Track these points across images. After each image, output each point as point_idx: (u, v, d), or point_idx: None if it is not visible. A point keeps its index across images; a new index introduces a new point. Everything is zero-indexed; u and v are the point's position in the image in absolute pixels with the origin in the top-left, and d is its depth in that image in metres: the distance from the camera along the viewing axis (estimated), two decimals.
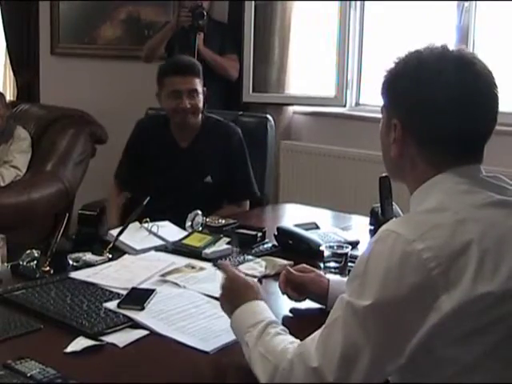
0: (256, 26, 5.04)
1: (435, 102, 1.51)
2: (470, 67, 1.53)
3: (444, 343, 1.40)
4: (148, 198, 2.70)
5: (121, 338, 1.84)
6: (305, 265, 2.18)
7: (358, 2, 4.82)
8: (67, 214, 2.48)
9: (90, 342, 1.80)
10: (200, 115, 3.41)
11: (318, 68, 5.15)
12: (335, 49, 4.86)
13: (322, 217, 3.27)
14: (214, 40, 4.93)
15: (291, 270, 2.13)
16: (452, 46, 1.58)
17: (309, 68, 5.17)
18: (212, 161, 3.40)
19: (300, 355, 1.50)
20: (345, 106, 4.92)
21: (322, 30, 5.06)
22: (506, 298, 1.40)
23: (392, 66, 1.61)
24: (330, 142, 4.92)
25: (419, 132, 1.55)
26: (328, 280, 2.09)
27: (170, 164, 3.43)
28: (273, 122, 3.86)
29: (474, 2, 4.34)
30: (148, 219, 2.73)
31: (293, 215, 3.40)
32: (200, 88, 3.37)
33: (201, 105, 3.38)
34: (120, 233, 2.55)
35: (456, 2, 4.40)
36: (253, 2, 4.97)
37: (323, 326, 1.51)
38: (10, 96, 6.53)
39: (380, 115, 1.65)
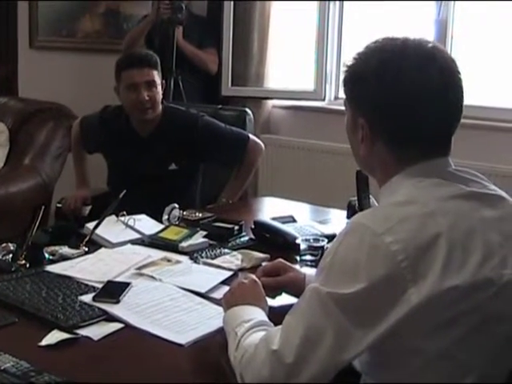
0: (235, 20, 5.05)
1: (399, 99, 1.50)
2: (432, 60, 1.52)
3: (412, 334, 1.41)
4: (124, 192, 2.70)
5: (96, 331, 1.84)
6: (281, 260, 2.16)
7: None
8: (43, 207, 2.46)
9: (64, 336, 1.79)
10: (160, 107, 3.37)
11: (296, 62, 5.16)
12: (314, 42, 4.87)
13: (300, 210, 3.28)
14: (193, 34, 4.94)
15: (265, 279, 2.03)
16: (412, 37, 1.56)
17: (288, 62, 5.19)
18: (176, 148, 3.38)
19: (265, 340, 1.51)
20: (324, 99, 4.93)
21: (302, 24, 5.07)
22: (473, 290, 1.40)
23: (352, 62, 1.59)
24: (309, 135, 4.93)
25: (386, 130, 1.54)
26: (304, 275, 2.09)
27: (133, 155, 3.42)
28: (252, 115, 3.86)
29: None
30: (125, 212, 2.72)
31: (271, 209, 3.40)
32: (158, 80, 3.33)
33: (159, 97, 3.34)
34: (96, 226, 2.55)
35: None
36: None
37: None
38: None
39: None
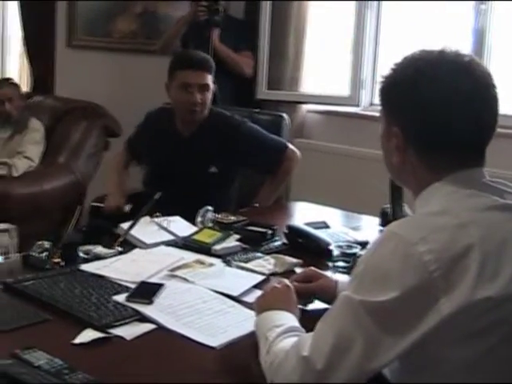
0: (272, 23, 5.05)
1: (433, 109, 1.51)
2: (467, 71, 1.53)
3: (441, 344, 1.41)
4: (159, 193, 2.71)
5: (128, 331, 1.85)
6: (312, 267, 2.17)
7: (375, 2, 4.81)
8: (79, 207, 2.48)
9: (97, 334, 1.81)
10: (207, 110, 3.41)
11: (332, 67, 5.15)
12: (350, 47, 4.86)
13: (333, 216, 3.28)
14: (229, 36, 4.93)
15: (297, 284, 2.03)
16: (449, 49, 1.57)
17: (324, 66, 5.18)
18: (216, 151, 3.40)
19: (296, 346, 1.52)
20: (358, 105, 4.92)
21: (338, 28, 5.06)
22: (504, 302, 1.40)
23: (388, 72, 1.61)
24: (342, 141, 4.92)
25: (419, 139, 1.55)
26: (336, 282, 2.09)
27: (173, 154, 3.45)
28: (288, 120, 3.86)
29: (490, 2, 4.33)
30: (159, 213, 2.74)
31: (304, 214, 3.41)
32: (211, 84, 3.38)
33: (210, 100, 3.39)
34: (131, 227, 2.57)
35: (473, 2, 4.39)
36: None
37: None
38: (25, 87, 6.55)
39: None
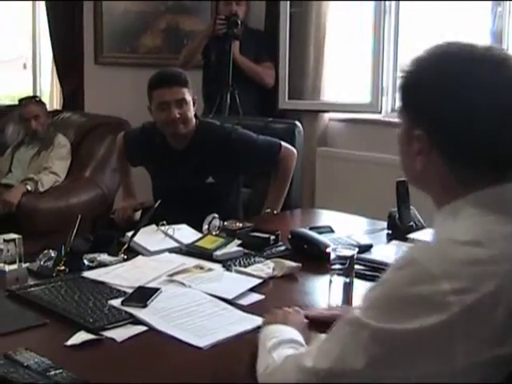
0: (291, 33, 5.10)
1: (464, 110, 1.33)
2: (504, 67, 1.35)
3: None
4: (159, 202, 2.78)
5: (120, 333, 1.91)
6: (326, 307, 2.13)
7: (393, 7, 4.83)
8: (79, 217, 2.55)
9: (89, 336, 1.87)
10: (193, 122, 3.43)
11: (353, 74, 5.18)
12: (370, 55, 4.88)
13: (353, 223, 3.31)
14: (250, 48, 5.00)
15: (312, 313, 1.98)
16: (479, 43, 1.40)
17: (344, 74, 5.21)
18: (211, 162, 3.43)
19: (295, 355, 1.48)
20: (380, 112, 4.93)
21: (357, 35, 5.09)
22: None
23: (410, 67, 1.43)
24: (365, 148, 4.94)
25: (447, 144, 1.36)
26: None
27: (169, 169, 3.50)
28: (301, 128, 3.90)
29: (508, 3, 4.32)
30: (165, 222, 2.80)
31: (313, 220, 3.44)
32: (188, 97, 3.38)
33: (191, 113, 3.39)
34: (133, 235, 2.63)
35: (490, 3, 4.39)
36: (288, 9, 5.03)
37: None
38: (56, 105, 6.70)
39: None
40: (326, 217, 3.53)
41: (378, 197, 4.73)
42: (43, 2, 6.72)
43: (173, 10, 5.88)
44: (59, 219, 4.63)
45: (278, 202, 3.50)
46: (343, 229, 3.02)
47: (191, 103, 3.40)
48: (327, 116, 5.18)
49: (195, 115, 3.45)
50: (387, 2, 4.79)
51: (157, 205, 2.77)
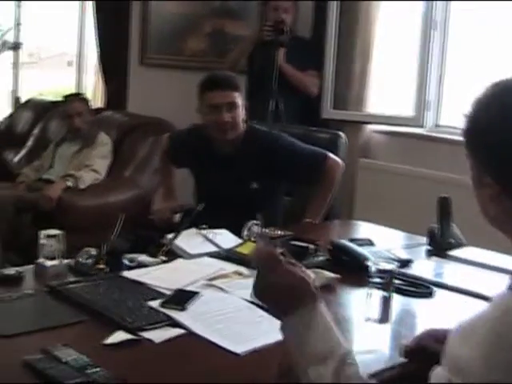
0: (338, 43, 5.09)
1: None
2: None
3: None
4: (202, 205, 2.78)
5: (158, 335, 1.91)
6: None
7: (442, 21, 4.80)
8: (122, 215, 2.56)
9: (127, 336, 1.87)
10: (242, 127, 3.44)
11: (398, 87, 5.15)
12: (416, 68, 4.85)
13: (391, 236, 3.30)
14: (295, 56, 4.98)
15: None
16: None
17: (389, 86, 5.18)
18: (256, 168, 3.43)
19: None
20: (423, 126, 4.90)
21: (404, 48, 5.06)
22: None
23: (470, 110, 1.37)
24: (407, 162, 4.90)
25: None
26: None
27: (214, 173, 3.49)
28: (345, 139, 3.88)
29: None
30: (206, 225, 2.80)
31: (353, 232, 3.42)
32: (239, 101, 3.40)
33: (240, 118, 3.41)
34: (174, 237, 2.64)
35: None
36: (336, 18, 5.02)
37: None
38: (99, 103, 6.74)
39: (460, 138, 1.42)
40: (364, 229, 3.50)
41: (418, 211, 4.69)
42: (91, 2, 6.77)
43: (219, 14, 5.90)
44: (97, 217, 4.66)
45: (318, 212, 3.48)
46: (382, 242, 3.00)
47: (241, 108, 3.41)
48: (370, 127, 5.15)
49: (244, 120, 3.46)
50: (436, 16, 4.76)
51: (200, 208, 2.76)
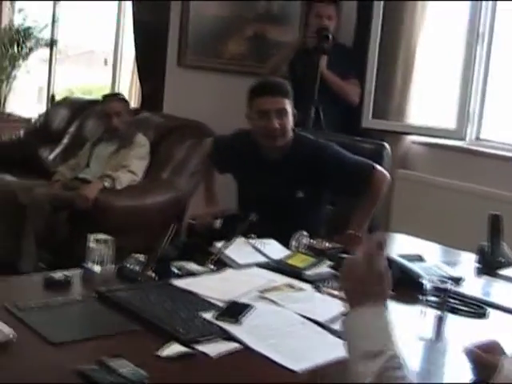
0: (380, 52, 5.03)
1: None
2: None
3: None
4: (255, 215, 2.73)
5: (213, 349, 1.86)
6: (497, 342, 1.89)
7: (486, 33, 4.73)
8: (174, 225, 2.52)
9: (183, 349, 1.83)
10: (291, 134, 3.40)
11: (439, 98, 5.09)
12: (459, 80, 4.79)
13: (429, 249, 3.22)
14: (337, 63, 4.92)
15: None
16: None
17: (431, 97, 5.12)
18: (303, 176, 3.38)
19: None
20: (464, 139, 4.83)
21: (447, 59, 5.00)
22: None
23: None
24: (446, 174, 4.83)
25: None
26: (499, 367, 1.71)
27: (260, 179, 3.45)
28: (389, 150, 3.82)
29: None
30: (253, 235, 2.76)
31: (400, 245, 3.36)
32: (289, 108, 3.37)
33: (289, 125, 3.38)
34: (225, 247, 2.59)
35: None
36: (379, 27, 4.97)
37: None
38: (134, 103, 6.72)
39: (502, 152, 1.39)
40: (409, 243, 3.44)
41: (455, 225, 4.64)
42: (129, 2, 6.74)
43: (261, 19, 5.83)
44: (133, 218, 4.64)
45: (362, 224, 3.43)
46: (428, 257, 2.94)
47: (291, 115, 3.37)
48: (410, 138, 5.09)
49: (293, 128, 3.42)
50: (480, 28, 4.69)
51: (254, 218, 2.72)
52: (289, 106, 3.37)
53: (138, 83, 6.73)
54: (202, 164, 3.93)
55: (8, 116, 8.21)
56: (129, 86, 7.15)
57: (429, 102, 5.13)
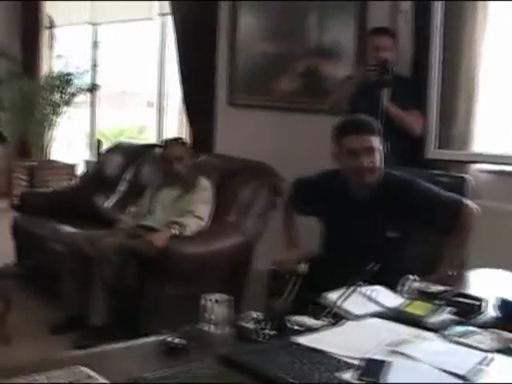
0: (441, 79, 4.94)
1: None
2: None
3: None
4: (375, 264, 2.63)
5: None
6: None
7: None
8: (299, 278, 2.42)
9: None
10: (381, 171, 3.35)
11: (505, 124, 4.98)
12: None
13: None
14: (396, 94, 4.85)
15: None
16: None
17: (496, 124, 5.02)
18: (392, 214, 3.33)
19: None
20: None
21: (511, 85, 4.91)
22: None
23: None
24: None
25: None
26: None
27: (348, 219, 3.38)
28: (471, 183, 3.73)
29: None
30: (361, 282, 2.65)
31: (499, 283, 3.24)
32: (378, 145, 3.33)
33: (379, 162, 3.33)
34: (342, 298, 2.48)
35: None
36: (439, 55, 4.88)
37: None
38: None
39: None
40: (506, 279, 3.31)
41: None
42: (172, 39, 6.70)
43: (312, 54, 5.78)
44: (202, 265, 4.55)
45: (453, 262, 3.33)
46: None
47: (380, 152, 3.30)
48: (476, 167, 4.98)
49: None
50: None
51: (376, 268, 2.62)
52: (377, 142, 3.31)
53: (187, 123, 6.67)
54: (282, 208, 3.84)
55: (52, 163, 8.20)
56: (177, 127, 7.09)
57: (494, 127, 5.03)
